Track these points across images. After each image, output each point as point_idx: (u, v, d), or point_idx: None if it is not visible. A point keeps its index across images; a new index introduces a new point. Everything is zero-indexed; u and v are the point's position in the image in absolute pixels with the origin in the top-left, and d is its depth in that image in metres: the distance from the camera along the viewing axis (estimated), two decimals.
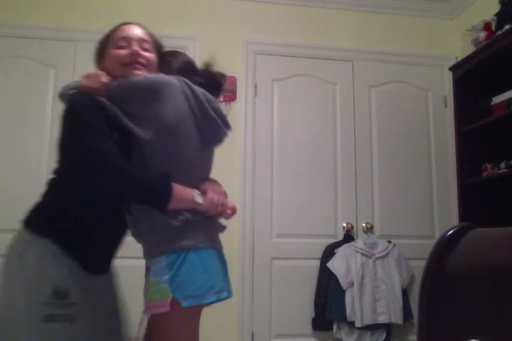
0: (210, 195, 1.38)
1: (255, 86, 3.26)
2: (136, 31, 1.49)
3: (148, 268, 1.40)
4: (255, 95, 3.25)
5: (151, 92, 1.34)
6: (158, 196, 1.29)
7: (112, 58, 1.44)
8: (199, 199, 1.36)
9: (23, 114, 2.98)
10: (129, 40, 1.45)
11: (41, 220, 1.39)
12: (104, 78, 1.39)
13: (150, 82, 1.37)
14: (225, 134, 1.50)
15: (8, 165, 2.92)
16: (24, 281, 1.27)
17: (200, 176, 1.46)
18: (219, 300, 1.36)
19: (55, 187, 1.41)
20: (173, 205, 1.31)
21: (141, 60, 1.44)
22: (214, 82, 1.51)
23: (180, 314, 1.30)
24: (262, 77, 3.30)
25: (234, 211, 1.48)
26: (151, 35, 1.54)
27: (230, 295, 1.41)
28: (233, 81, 3.20)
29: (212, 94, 1.47)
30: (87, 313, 1.31)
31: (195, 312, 1.35)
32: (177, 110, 1.36)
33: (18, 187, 2.91)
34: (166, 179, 1.32)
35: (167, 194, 1.29)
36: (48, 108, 3.01)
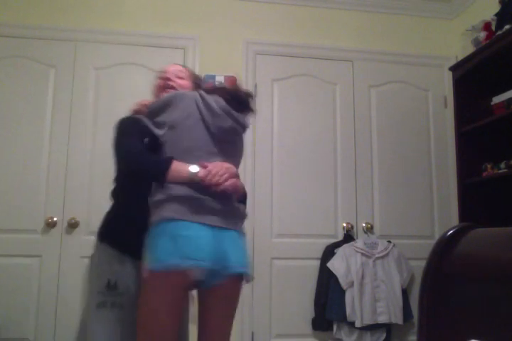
0: (210, 166, 1.57)
1: (255, 86, 3.26)
2: (173, 66, 1.96)
3: None
4: (255, 95, 3.25)
5: (168, 102, 1.68)
6: (156, 168, 1.56)
7: (154, 86, 1.92)
8: (194, 168, 1.55)
9: (23, 114, 2.98)
10: (166, 72, 1.92)
11: (101, 229, 1.75)
12: (145, 102, 1.83)
13: (168, 96, 1.72)
14: (233, 127, 1.66)
15: (7, 165, 2.92)
16: (90, 276, 1.69)
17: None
18: (191, 266, 1.43)
19: (112, 195, 1.82)
20: (171, 177, 1.54)
21: (172, 84, 1.85)
22: (238, 97, 1.71)
23: (150, 282, 1.47)
24: (262, 77, 3.30)
25: (233, 186, 1.59)
26: (188, 69, 2.01)
27: (226, 269, 1.49)
28: (233, 81, 3.20)
29: (241, 109, 1.69)
30: (134, 302, 1.57)
31: (164, 281, 1.46)
32: (183, 109, 1.65)
33: (17, 187, 2.91)
34: (167, 158, 1.58)
35: (163, 165, 1.55)
36: (47, 108, 3.01)
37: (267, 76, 3.30)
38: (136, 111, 1.84)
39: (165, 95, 1.76)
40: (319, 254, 3.09)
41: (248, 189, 3.12)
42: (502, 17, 2.80)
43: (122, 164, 1.66)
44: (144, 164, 1.59)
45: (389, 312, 2.92)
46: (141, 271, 1.49)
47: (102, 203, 2.97)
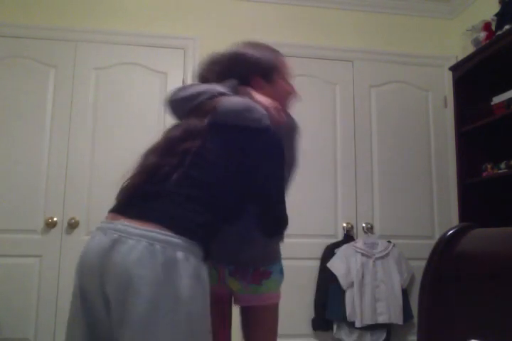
0: None
1: None
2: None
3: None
4: None
5: None
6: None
7: (283, 88, 1.55)
8: None
9: (23, 114, 2.98)
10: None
11: None
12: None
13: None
14: None
15: (7, 165, 2.92)
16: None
17: None
18: None
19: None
20: None
21: None
22: None
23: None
24: None
25: None
26: None
27: None
28: None
29: None
30: None
31: None
32: None
33: (17, 187, 2.91)
34: None
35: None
36: (48, 108, 3.01)
37: None
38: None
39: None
40: (319, 254, 3.09)
41: None
42: (502, 17, 2.80)
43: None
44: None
45: (389, 312, 2.92)
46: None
47: (102, 203, 2.98)
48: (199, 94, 1.37)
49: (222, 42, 3.26)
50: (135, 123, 3.08)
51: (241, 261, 1.59)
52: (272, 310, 1.74)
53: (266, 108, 1.33)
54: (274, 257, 1.74)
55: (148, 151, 1.33)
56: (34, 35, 3.07)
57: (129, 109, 3.09)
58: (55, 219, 2.89)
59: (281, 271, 1.75)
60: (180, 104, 1.41)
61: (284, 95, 1.50)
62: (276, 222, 1.42)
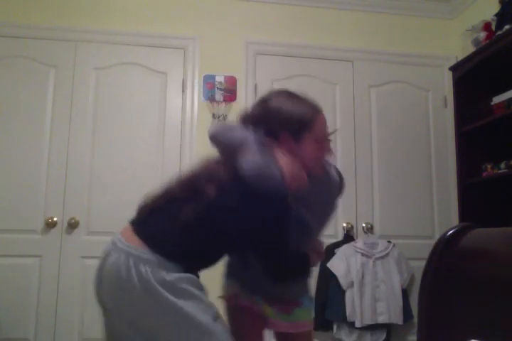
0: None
1: (255, 86, 3.26)
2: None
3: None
4: (255, 95, 3.24)
5: None
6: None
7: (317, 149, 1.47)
8: None
9: (23, 114, 2.98)
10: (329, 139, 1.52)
11: None
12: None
13: None
14: None
15: (7, 165, 2.92)
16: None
17: None
18: None
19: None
20: None
21: None
22: None
23: None
24: (262, 77, 3.29)
25: None
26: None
27: None
28: (233, 81, 3.20)
29: None
30: None
31: None
32: None
33: (17, 187, 2.90)
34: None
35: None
36: (48, 108, 3.00)
37: (267, 76, 3.30)
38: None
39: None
40: None
41: None
42: (502, 17, 2.80)
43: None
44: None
45: (389, 312, 2.92)
46: None
47: (102, 203, 2.99)
48: (230, 140, 1.42)
49: (222, 42, 3.28)
50: (135, 123, 3.08)
51: (264, 296, 1.65)
52: (306, 337, 1.75)
53: (282, 174, 1.32)
54: (298, 293, 1.70)
55: (175, 181, 1.43)
56: (34, 35, 3.07)
57: (129, 109, 3.09)
58: (55, 219, 2.89)
59: (311, 300, 1.79)
60: (215, 142, 1.49)
61: (310, 156, 1.45)
62: (274, 274, 1.47)
